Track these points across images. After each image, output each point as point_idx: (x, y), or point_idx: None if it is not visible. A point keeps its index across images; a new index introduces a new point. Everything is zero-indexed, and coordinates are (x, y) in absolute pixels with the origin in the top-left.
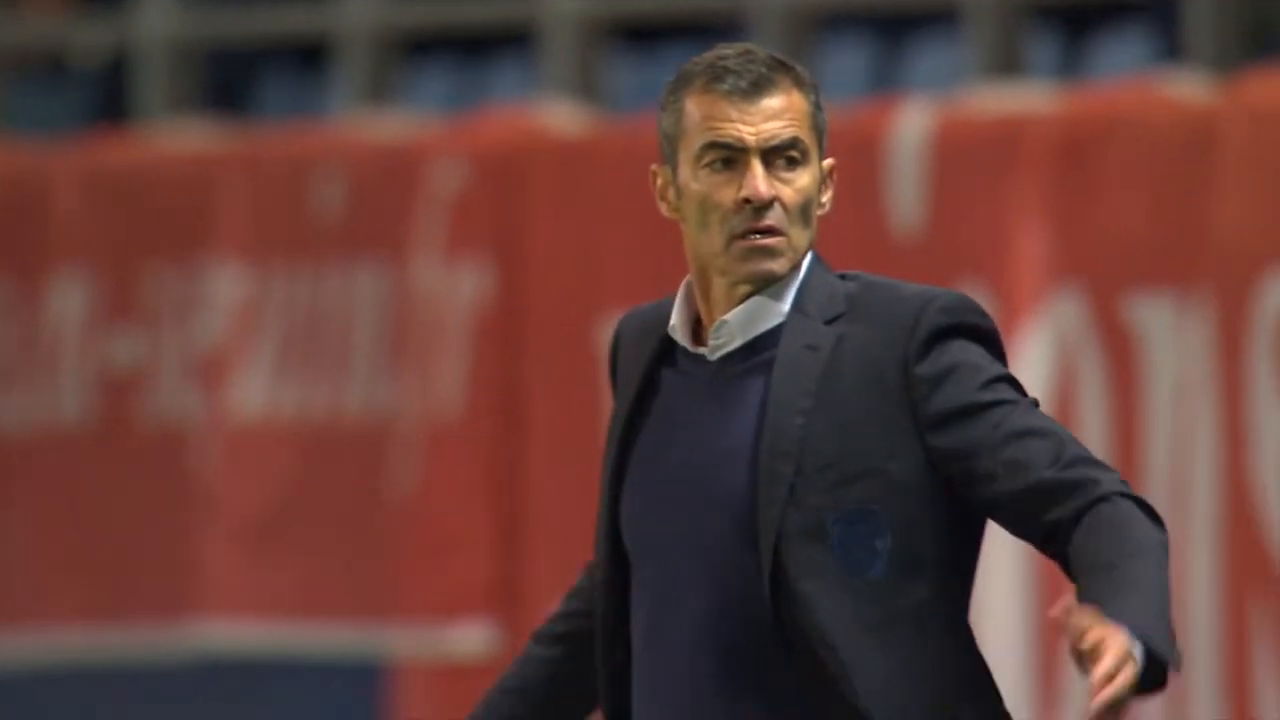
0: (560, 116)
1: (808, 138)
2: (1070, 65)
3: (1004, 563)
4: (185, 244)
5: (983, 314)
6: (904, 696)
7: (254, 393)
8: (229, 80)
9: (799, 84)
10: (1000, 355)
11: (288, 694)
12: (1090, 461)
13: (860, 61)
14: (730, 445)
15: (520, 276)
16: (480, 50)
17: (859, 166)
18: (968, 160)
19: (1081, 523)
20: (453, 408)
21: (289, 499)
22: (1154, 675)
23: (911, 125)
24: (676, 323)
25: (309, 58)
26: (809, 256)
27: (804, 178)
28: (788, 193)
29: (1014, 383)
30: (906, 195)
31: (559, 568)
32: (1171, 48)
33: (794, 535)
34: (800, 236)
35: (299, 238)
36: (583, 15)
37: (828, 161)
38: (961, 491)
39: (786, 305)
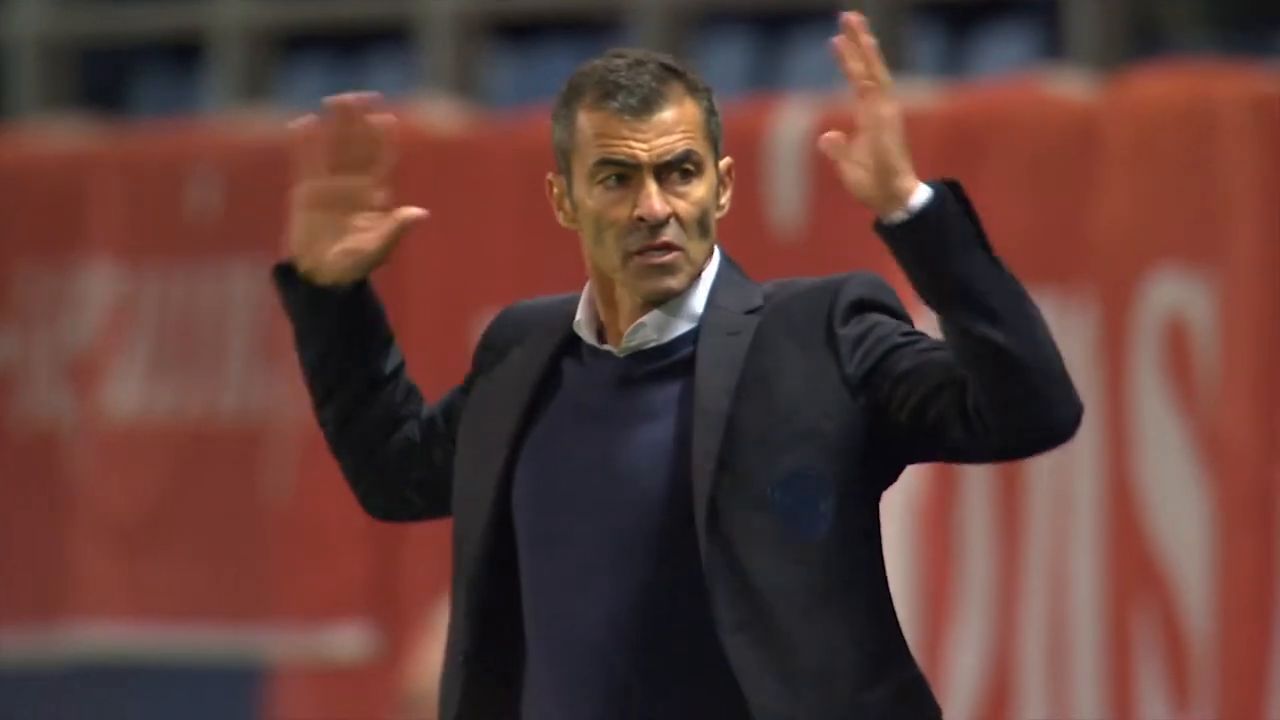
0: (438, 114)
1: (702, 148)
2: (953, 63)
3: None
4: (58, 243)
5: (897, 296)
6: (848, 665)
7: (128, 394)
8: (103, 77)
9: (692, 91)
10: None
11: (164, 698)
12: None
13: (740, 59)
14: (652, 441)
15: (397, 275)
16: (357, 47)
17: (739, 165)
18: None
19: None
20: None
21: (164, 501)
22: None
23: (792, 123)
24: (582, 319)
25: (184, 55)
26: (717, 257)
27: (699, 189)
28: (683, 206)
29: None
30: (786, 193)
31: (436, 569)
32: (1054, 46)
33: (734, 507)
34: (698, 249)
35: (173, 236)
36: (460, 12)
37: (725, 161)
38: (896, 414)
39: (700, 307)
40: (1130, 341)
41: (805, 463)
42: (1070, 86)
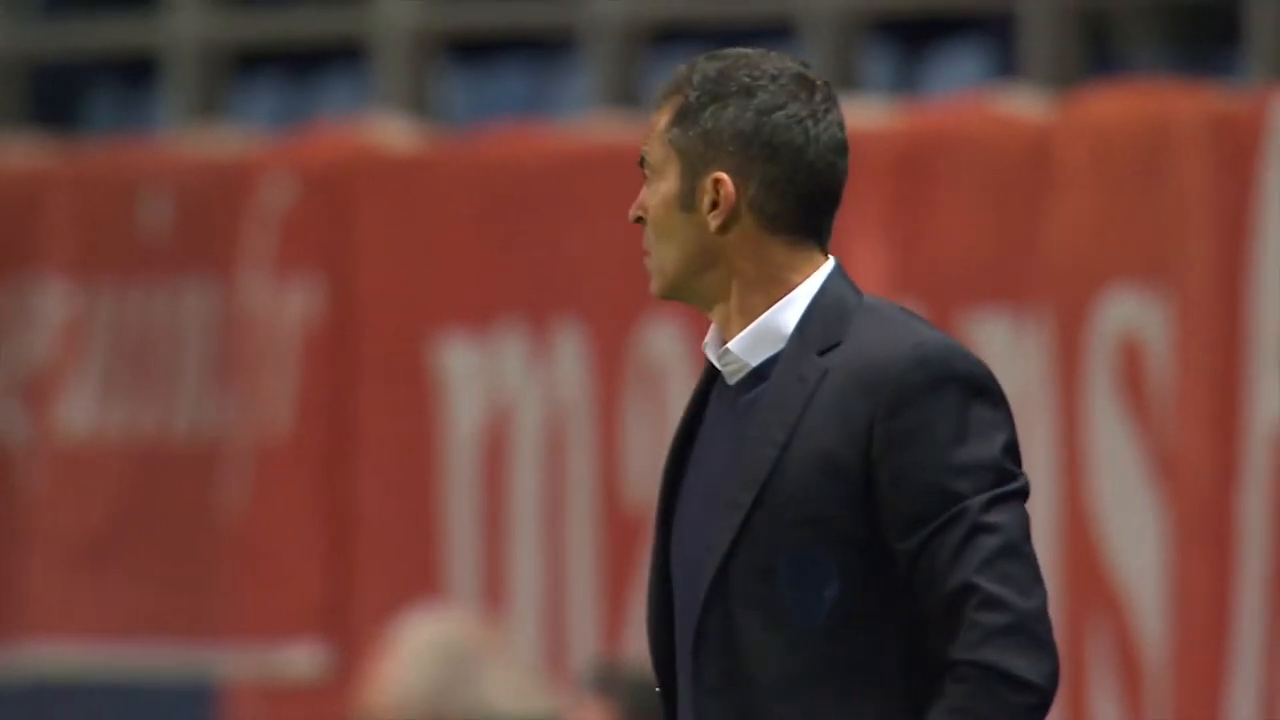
0: (392, 131)
1: (657, 152)
2: (907, 81)
3: None
4: (11, 261)
5: (963, 361)
6: None
7: (81, 412)
8: (55, 94)
9: (672, 95)
10: (986, 401)
11: (117, 716)
12: (987, 603)
13: None
14: (721, 475)
15: (351, 293)
16: (311, 65)
17: None
18: None
19: (944, 695)
20: (282, 427)
21: (117, 519)
22: None
23: None
24: (710, 340)
25: (137, 72)
26: (828, 268)
27: (653, 195)
28: (645, 210)
29: (974, 469)
30: None
31: (390, 589)
32: (1008, 64)
33: (743, 567)
34: (661, 253)
35: (127, 254)
36: (414, 29)
37: (712, 175)
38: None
39: (789, 328)
40: (1085, 360)
41: (811, 547)
42: (1024, 105)
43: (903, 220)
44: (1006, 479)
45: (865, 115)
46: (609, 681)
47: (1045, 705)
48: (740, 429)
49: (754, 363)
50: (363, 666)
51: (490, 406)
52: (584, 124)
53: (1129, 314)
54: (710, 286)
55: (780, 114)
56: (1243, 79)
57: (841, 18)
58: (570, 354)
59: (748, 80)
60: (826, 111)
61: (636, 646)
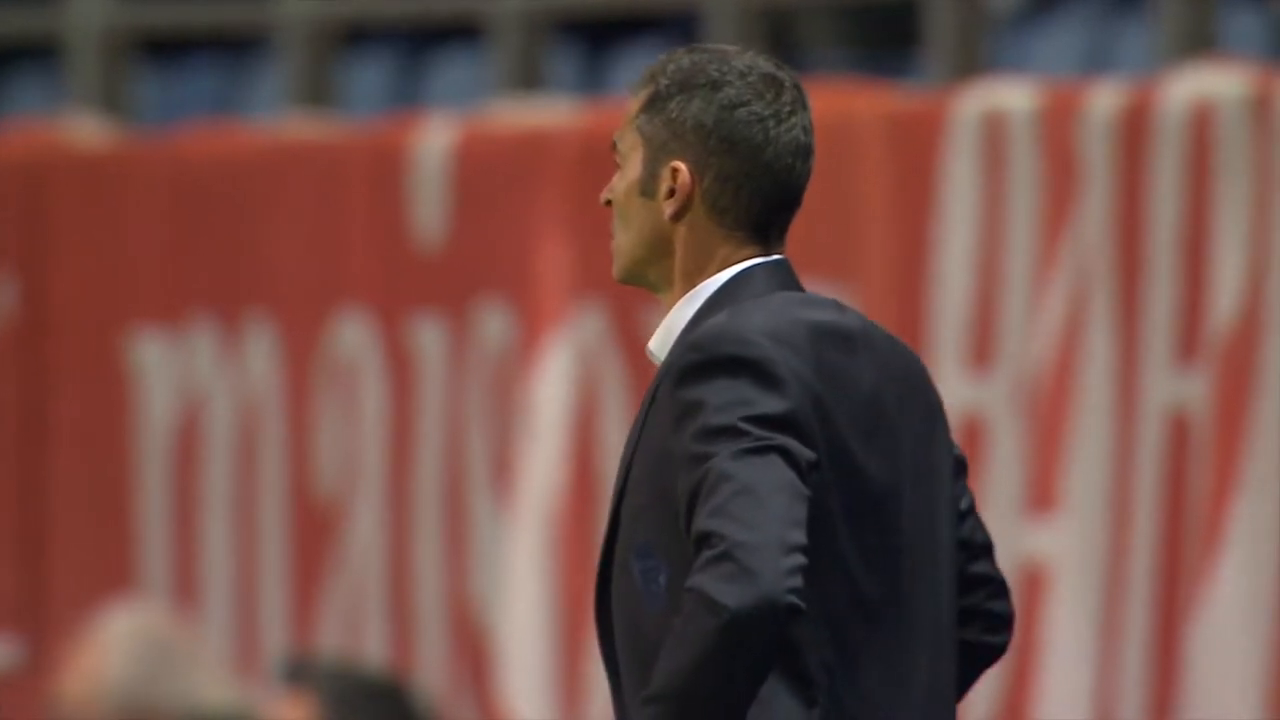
0: (83, 130)
1: (626, 141)
2: (591, 79)
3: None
4: None
5: (732, 344)
6: None
7: None
8: None
9: (649, 83)
10: (750, 380)
11: None
12: (710, 541)
13: (383, 77)
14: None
15: (43, 290)
16: (2, 63)
17: (381, 181)
18: (490, 174)
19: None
20: None
21: None
22: None
23: (434, 139)
24: None
25: None
26: (750, 263)
27: (622, 180)
28: (615, 194)
29: (720, 433)
30: (429, 210)
31: (82, 582)
32: None
33: (617, 561)
34: (621, 238)
35: None
36: (106, 27)
37: (671, 164)
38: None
39: (686, 323)
40: None
41: (649, 535)
42: None
43: (588, 218)
44: (755, 440)
45: (551, 114)
46: (302, 673)
47: (738, 630)
48: None
49: (664, 357)
50: (56, 659)
51: (182, 401)
52: (274, 123)
53: None
54: (662, 275)
55: (743, 110)
56: (922, 79)
57: (527, 17)
58: (261, 350)
59: (716, 74)
60: (791, 114)
61: (328, 639)
